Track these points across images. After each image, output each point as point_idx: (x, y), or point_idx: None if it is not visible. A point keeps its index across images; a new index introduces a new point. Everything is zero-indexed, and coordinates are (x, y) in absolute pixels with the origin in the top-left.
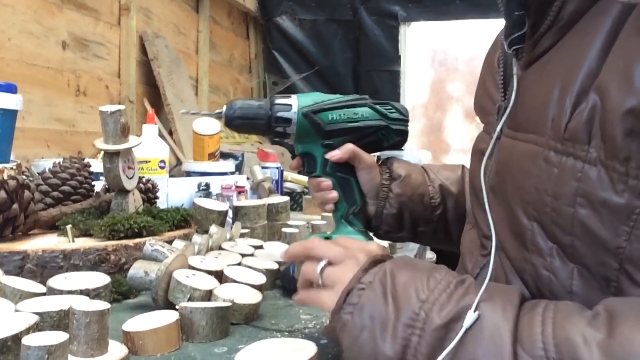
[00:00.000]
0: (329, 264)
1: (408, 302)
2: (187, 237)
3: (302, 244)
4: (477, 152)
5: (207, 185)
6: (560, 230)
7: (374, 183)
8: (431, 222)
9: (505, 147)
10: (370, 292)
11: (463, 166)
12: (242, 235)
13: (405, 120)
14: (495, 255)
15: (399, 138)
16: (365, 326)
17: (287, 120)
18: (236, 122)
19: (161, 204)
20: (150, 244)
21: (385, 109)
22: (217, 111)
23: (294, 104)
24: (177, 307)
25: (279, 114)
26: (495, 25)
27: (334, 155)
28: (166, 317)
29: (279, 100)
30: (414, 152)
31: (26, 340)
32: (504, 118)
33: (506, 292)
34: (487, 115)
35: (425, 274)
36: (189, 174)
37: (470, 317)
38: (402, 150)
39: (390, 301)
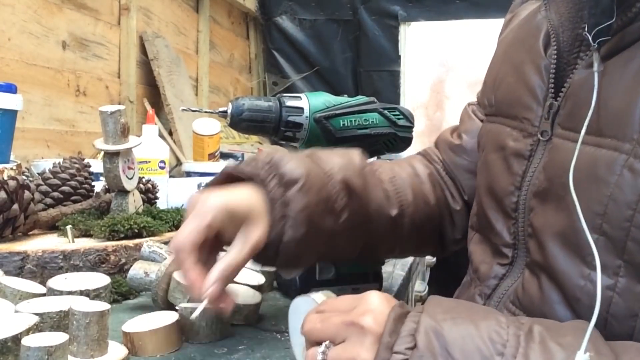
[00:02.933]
0: (331, 343)
1: None
2: None
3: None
4: (501, 150)
5: None
6: (638, 247)
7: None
8: (339, 234)
9: (563, 150)
10: None
11: (362, 152)
12: None
13: (411, 127)
14: (522, 266)
15: (403, 144)
16: None
17: (298, 125)
18: (243, 124)
19: (161, 204)
20: (148, 245)
21: (394, 115)
22: (221, 109)
23: (306, 108)
24: (177, 307)
25: (290, 119)
26: (495, 26)
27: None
28: (166, 318)
29: (289, 103)
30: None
31: (26, 341)
32: (587, 123)
33: (597, 344)
34: (522, 109)
35: (483, 327)
36: (189, 174)
37: (581, 358)
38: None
39: None
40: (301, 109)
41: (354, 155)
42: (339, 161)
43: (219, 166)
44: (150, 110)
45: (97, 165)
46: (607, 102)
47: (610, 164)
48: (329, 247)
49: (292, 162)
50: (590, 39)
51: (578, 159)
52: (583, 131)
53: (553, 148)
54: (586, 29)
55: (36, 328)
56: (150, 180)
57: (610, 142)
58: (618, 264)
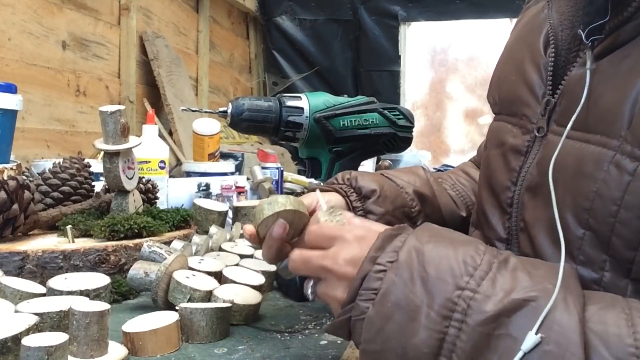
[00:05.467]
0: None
1: (443, 288)
2: (187, 238)
3: (300, 257)
4: (501, 146)
5: (207, 186)
6: (622, 243)
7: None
8: None
9: (556, 146)
10: (392, 275)
11: (423, 167)
12: (242, 236)
13: (411, 127)
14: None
15: (403, 144)
16: (390, 316)
17: (298, 125)
18: (243, 124)
19: (161, 204)
20: (148, 245)
21: (394, 115)
22: (221, 109)
23: (305, 108)
24: (177, 307)
25: (290, 119)
26: (495, 26)
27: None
28: (166, 318)
29: (289, 103)
30: (413, 152)
31: (26, 341)
32: (574, 118)
33: (567, 281)
34: (522, 106)
35: (460, 251)
36: (189, 174)
37: (530, 340)
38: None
39: (419, 286)
40: (301, 109)
41: (419, 170)
42: (407, 176)
43: (219, 166)
44: (150, 110)
45: (97, 165)
46: (598, 99)
47: (597, 160)
48: None
49: (366, 177)
50: (583, 37)
51: (567, 154)
52: (568, 127)
53: (547, 144)
54: (581, 27)
55: (36, 328)
56: (150, 180)
57: (599, 138)
58: (604, 259)
